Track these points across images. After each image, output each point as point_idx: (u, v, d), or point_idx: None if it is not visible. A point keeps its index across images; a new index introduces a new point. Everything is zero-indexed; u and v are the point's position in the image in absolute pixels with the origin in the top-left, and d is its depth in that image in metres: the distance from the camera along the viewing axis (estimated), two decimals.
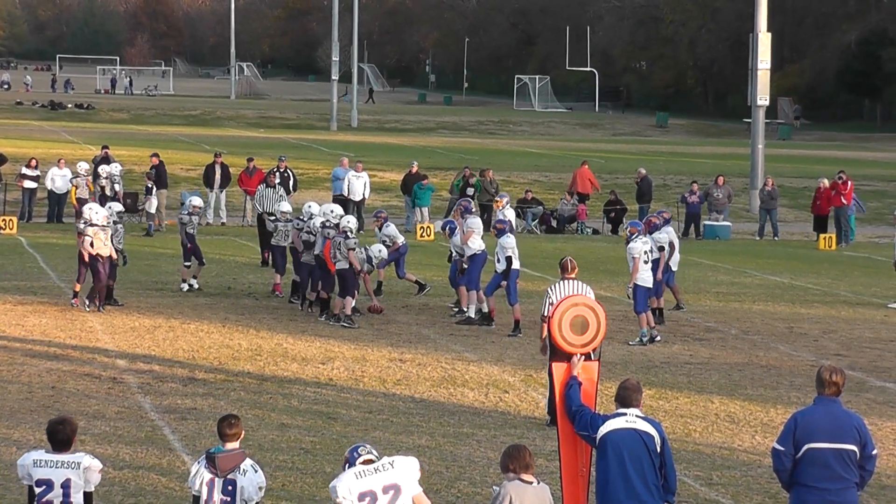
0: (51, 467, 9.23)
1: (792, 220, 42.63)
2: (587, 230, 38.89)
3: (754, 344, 20.80)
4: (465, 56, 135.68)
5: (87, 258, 21.72)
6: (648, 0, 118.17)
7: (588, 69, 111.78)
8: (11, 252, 29.04)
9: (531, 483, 9.05)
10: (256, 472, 9.27)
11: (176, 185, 42.18)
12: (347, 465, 8.91)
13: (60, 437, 9.31)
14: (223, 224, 36.40)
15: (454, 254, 22.88)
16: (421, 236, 34.40)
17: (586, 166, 40.91)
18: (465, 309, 21.90)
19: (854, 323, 23.02)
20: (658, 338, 20.49)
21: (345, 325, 21.05)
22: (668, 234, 22.08)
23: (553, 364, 10.93)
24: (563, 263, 15.43)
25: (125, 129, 71.83)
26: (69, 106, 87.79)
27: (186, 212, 24.54)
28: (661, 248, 21.48)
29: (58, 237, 32.13)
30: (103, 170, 33.82)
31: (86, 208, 22.69)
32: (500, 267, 21.05)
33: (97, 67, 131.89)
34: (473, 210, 23.55)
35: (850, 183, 37.30)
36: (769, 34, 44.05)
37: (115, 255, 22.15)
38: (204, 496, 9.19)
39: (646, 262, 20.41)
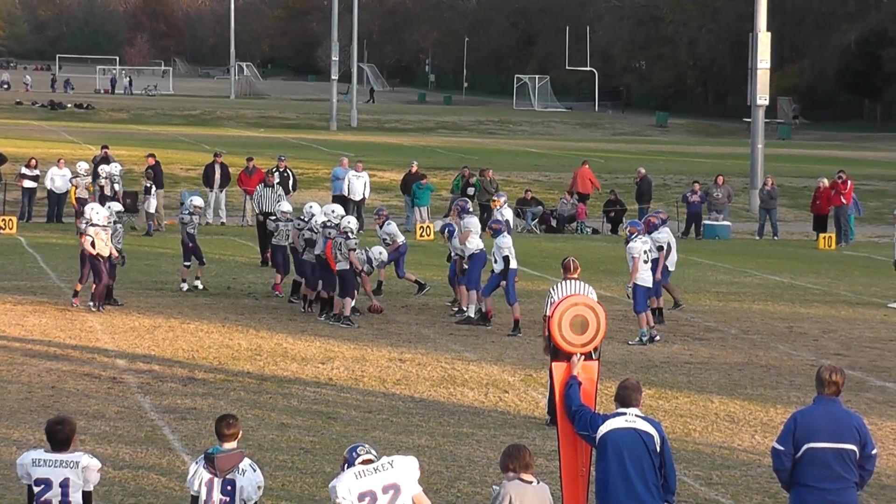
0: (49, 466, 9.23)
1: (792, 220, 42.63)
2: (587, 230, 38.89)
3: (754, 343, 20.79)
4: (464, 56, 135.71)
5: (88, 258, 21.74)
6: (648, 0, 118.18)
7: (588, 69, 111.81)
8: (11, 252, 29.04)
9: (531, 483, 9.05)
10: (255, 471, 9.26)
11: (176, 185, 42.19)
12: (346, 465, 8.90)
13: (59, 437, 9.31)
14: (223, 224, 36.40)
15: (454, 254, 22.88)
16: (421, 236, 34.39)
17: (587, 166, 40.89)
18: (465, 308, 21.90)
19: (854, 323, 23.02)
20: (658, 337, 20.49)
21: (344, 325, 21.05)
22: (666, 234, 22.08)
23: (553, 363, 10.93)
24: (565, 264, 15.41)
25: (125, 129, 71.83)
26: (69, 106, 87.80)
27: (187, 211, 24.54)
28: (660, 248, 21.48)
29: (57, 237, 32.13)
30: (103, 170, 33.82)
31: (87, 208, 22.70)
32: (498, 267, 21.06)
33: (97, 67, 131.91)
34: (471, 209, 23.56)
35: (849, 182, 37.29)
36: (769, 34, 44.05)
37: (115, 254, 22.15)
38: (203, 496, 9.18)
39: (645, 262, 20.41)
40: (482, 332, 21.01)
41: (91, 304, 21.69)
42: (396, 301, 23.77)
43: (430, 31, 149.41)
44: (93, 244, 21.64)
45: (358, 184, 36.31)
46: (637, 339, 20.38)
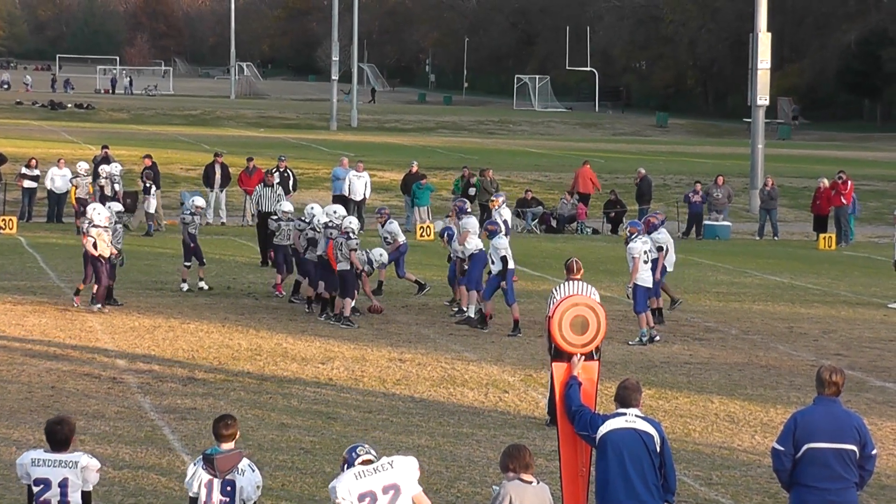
0: (49, 466, 9.24)
1: (792, 220, 42.62)
2: (587, 230, 38.89)
3: (754, 344, 20.79)
4: (464, 56, 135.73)
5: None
6: (648, 0, 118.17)
7: (588, 69, 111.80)
8: (11, 252, 29.03)
9: (531, 483, 9.05)
10: (254, 471, 9.26)
11: (176, 185, 42.21)
12: (346, 466, 8.90)
13: (58, 437, 9.31)
14: (223, 224, 36.40)
15: (454, 256, 22.88)
16: (421, 236, 34.39)
17: (588, 166, 40.89)
18: (465, 309, 21.90)
19: (854, 323, 23.02)
20: (657, 338, 20.49)
21: (344, 325, 21.05)
22: (665, 235, 22.08)
23: (553, 364, 10.93)
24: (568, 265, 15.38)
25: (125, 129, 71.83)
26: (69, 106, 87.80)
27: (189, 212, 24.55)
28: (659, 249, 21.47)
29: (57, 237, 32.13)
30: (103, 170, 33.83)
31: (89, 209, 22.70)
32: (496, 268, 21.06)
33: (97, 67, 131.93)
34: (469, 210, 23.57)
35: (849, 183, 37.29)
36: (769, 34, 44.04)
37: (114, 251, 22.13)
38: (203, 498, 9.17)
39: (645, 262, 20.41)
40: (482, 333, 21.01)
41: (99, 305, 21.64)
42: (396, 301, 23.77)
43: (430, 31, 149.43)
44: (95, 245, 21.64)
45: (359, 184, 36.31)
46: (637, 339, 20.38)
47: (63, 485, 9.20)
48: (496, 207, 24.29)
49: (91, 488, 9.34)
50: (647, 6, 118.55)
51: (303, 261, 22.73)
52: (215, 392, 16.53)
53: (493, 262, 21.14)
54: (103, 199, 29.95)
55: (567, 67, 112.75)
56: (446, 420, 15.53)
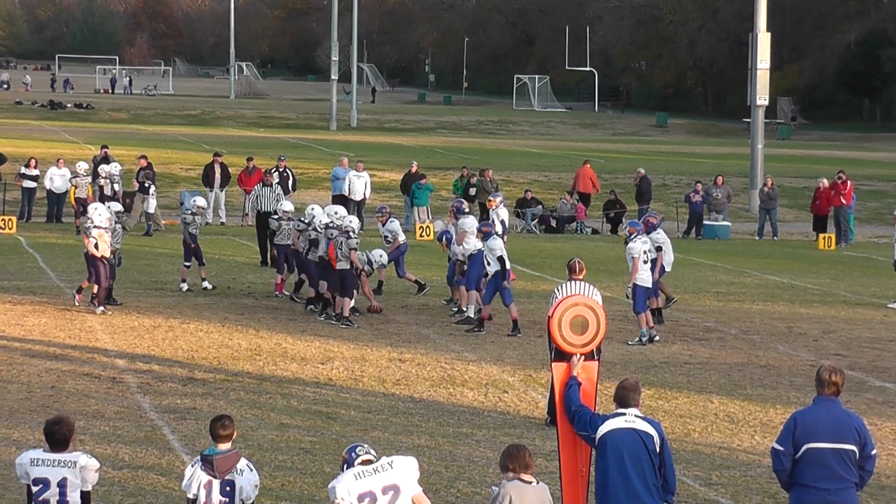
0: (48, 466, 9.24)
1: (791, 220, 42.62)
2: (586, 230, 38.89)
3: (754, 344, 20.79)
4: (464, 56, 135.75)
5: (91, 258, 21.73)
6: (648, 0, 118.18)
7: (587, 69, 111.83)
8: (11, 252, 29.03)
9: (531, 483, 9.05)
10: (252, 471, 9.27)
11: (175, 185, 42.21)
12: (346, 466, 8.89)
13: (57, 437, 9.31)
14: (223, 224, 36.40)
15: (454, 258, 22.87)
16: (420, 236, 34.39)
17: (588, 166, 40.87)
18: (465, 309, 21.90)
19: (854, 323, 23.02)
20: (657, 338, 20.49)
21: (344, 325, 21.05)
22: (662, 235, 22.07)
23: (553, 364, 10.92)
24: (570, 265, 15.37)
25: (125, 129, 71.82)
26: (69, 106, 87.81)
27: (190, 211, 24.55)
28: (658, 248, 21.47)
29: (57, 237, 32.12)
30: (103, 169, 33.81)
31: (91, 209, 22.68)
32: (492, 269, 21.04)
33: (96, 67, 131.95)
34: (466, 210, 23.55)
35: (849, 183, 37.29)
36: (769, 34, 44.04)
37: (113, 251, 22.11)
38: (202, 498, 9.17)
39: (645, 262, 20.41)
40: (480, 333, 21.00)
41: (101, 308, 21.60)
42: (396, 301, 23.77)
43: (429, 31, 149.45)
44: (96, 246, 21.63)
45: (359, 184, 36.29)
46: (637, 339, 20.37)
47: (62, 484, 9.20)
48: (493, 207, 24.28)
49: (90, 488, 9.35)
50: (647, 6, 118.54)
51: (304, 261, 22.74)
52: (215, 392, 16.53)
53: (488, 264, 21.11)
54: (103, 199, 29.94)
55: (567, 67, 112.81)
56: (446, 420, 15.53)
